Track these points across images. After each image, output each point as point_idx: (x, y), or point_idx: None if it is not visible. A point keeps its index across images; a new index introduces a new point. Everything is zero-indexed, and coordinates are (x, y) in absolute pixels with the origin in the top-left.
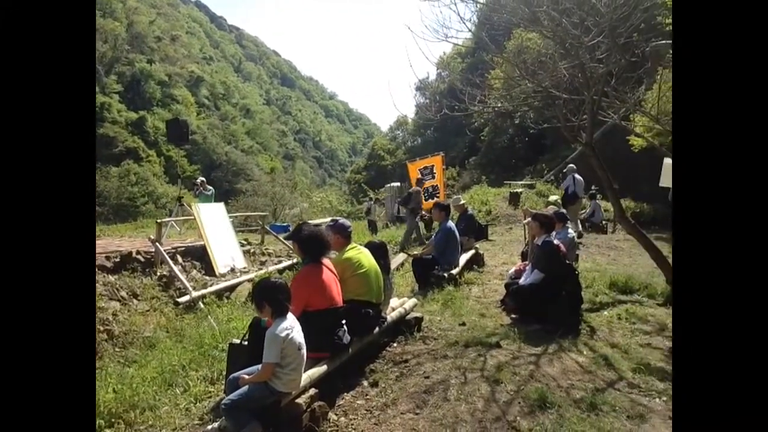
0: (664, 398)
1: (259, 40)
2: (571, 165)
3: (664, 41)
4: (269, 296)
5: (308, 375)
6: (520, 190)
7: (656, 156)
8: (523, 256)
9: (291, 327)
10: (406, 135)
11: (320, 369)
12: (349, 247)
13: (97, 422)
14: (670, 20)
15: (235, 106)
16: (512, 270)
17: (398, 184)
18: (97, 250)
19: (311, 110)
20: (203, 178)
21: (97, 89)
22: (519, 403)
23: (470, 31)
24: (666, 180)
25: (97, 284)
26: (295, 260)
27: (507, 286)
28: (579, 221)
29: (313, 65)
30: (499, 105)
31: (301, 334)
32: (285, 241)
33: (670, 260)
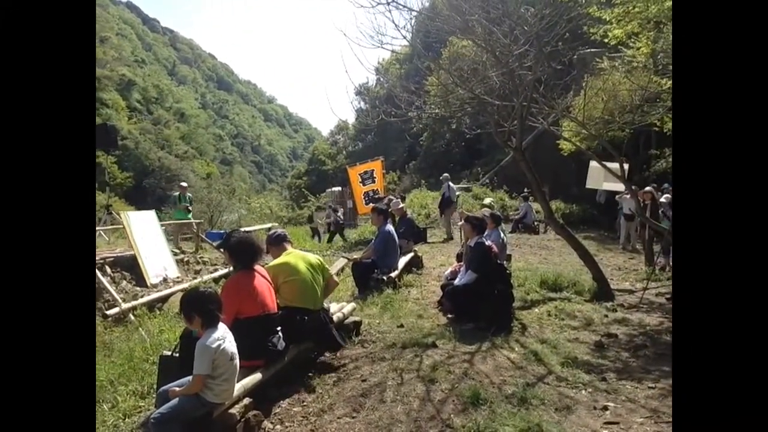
0: (590, 390)
1: (195, 43)
2: (446, 174)
3: (589, 50)
4: (198, 307)
5: (242, 384)
6: (457, 193)
7: (584, 159)
8: (459, 258)
9: (222, 337)
10: (347, 140)
11: (254, 377)
12: (285, 252)
13: None
14: (595, 30)
15: (168, 110)
16: (448, 271)
17: (339, 188)
18: None
19: (249, 114)
20: (185, 183)
21: None
22: (453, 401)
23: (405, 38)
24: (592, 182)
25: None
26: (231, 268)
27: (443, 287)
28: (452, 223)
29: (250, 69)
30: (436, 111)
31: (234, 344)
32: (218, 249)
33: (596, 259)
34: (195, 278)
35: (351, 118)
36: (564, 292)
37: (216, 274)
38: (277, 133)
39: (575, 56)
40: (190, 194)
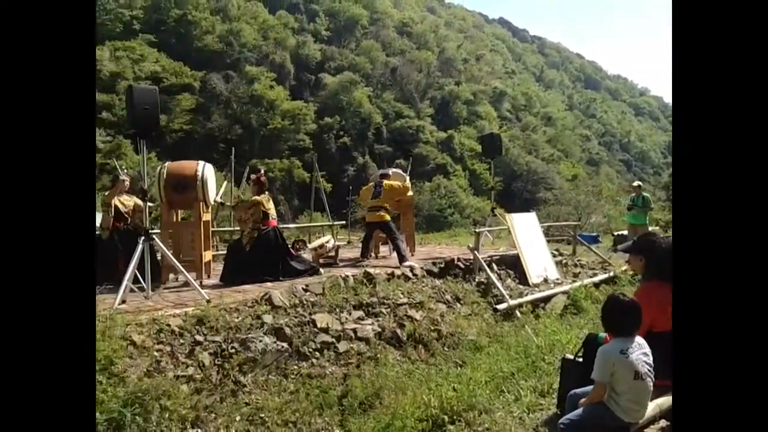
0: None
1: (562, 46)
2: None
3: None
4: (612, 317)
5: (656, 404)
6: None
7: None
8: None
9: (628, 350)
10: None
11: (668, 399)
12: None
13: (441, 417)
14: None
15: (536, 116)
16: None
17: None
18: (422, 256)
19: (618, 110)
20: (638, 183)
21: (413, 114)
22: None
23: None
24: None
25: (425, 287)
26: (611, 273)
27: None
28: None
29: (620, 62)
30: None
31: (643, 362)
32: (596, 253)
33: None
34: (574, 281)
35: None
36: None
37: (596, 279)
38: (650, 127)
39: None
40: (646, 194)
